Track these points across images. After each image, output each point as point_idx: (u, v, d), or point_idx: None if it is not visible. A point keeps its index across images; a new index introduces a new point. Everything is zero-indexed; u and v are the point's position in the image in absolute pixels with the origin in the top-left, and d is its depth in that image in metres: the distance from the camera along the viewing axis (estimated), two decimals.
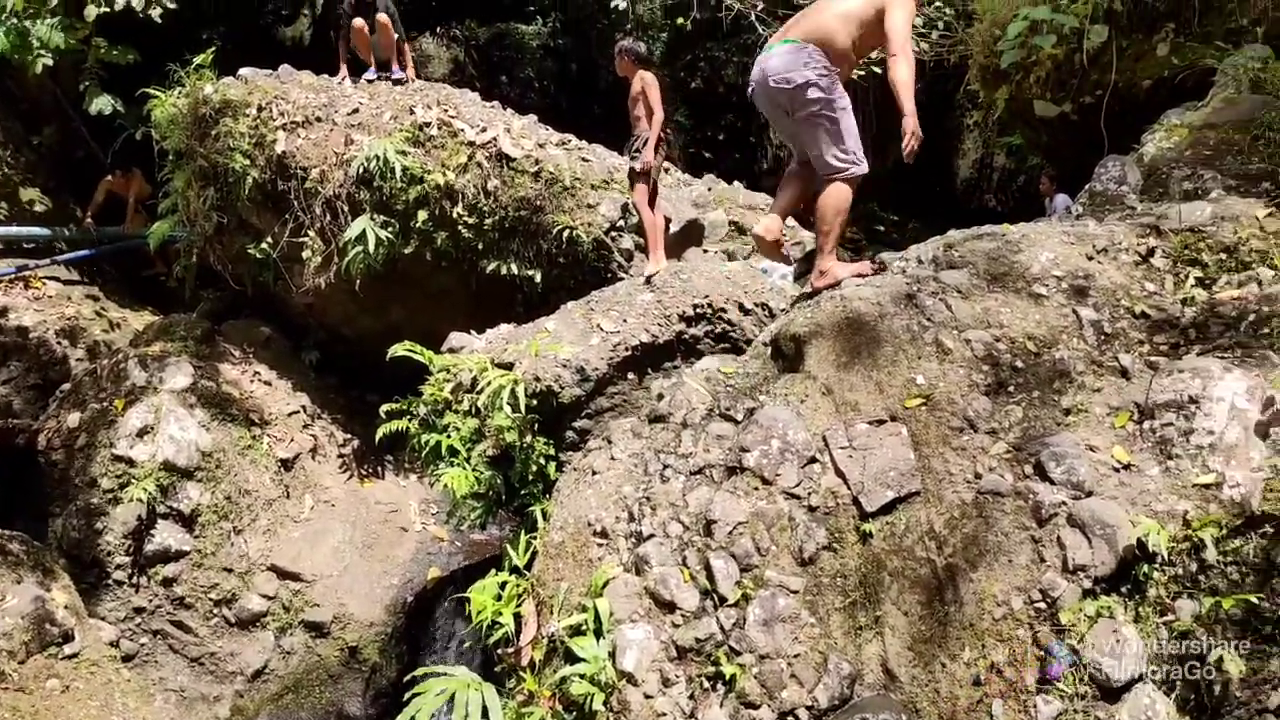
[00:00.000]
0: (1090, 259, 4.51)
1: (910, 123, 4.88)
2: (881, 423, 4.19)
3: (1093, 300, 4.33)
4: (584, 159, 9.14)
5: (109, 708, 6.80)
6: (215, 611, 8.33)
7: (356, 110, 9.19)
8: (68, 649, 6.82)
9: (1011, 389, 4.13)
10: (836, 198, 5.12)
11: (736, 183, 10.29)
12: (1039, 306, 4.35)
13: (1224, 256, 4.40)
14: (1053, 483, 3.75)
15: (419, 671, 4.31)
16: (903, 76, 4.89)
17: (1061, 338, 4.24)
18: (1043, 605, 3.53)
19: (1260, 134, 5.15)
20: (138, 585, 8.10)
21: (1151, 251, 4.51)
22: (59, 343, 10.29)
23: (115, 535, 8.05)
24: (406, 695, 4.11)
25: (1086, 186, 5.59)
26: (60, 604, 6.96)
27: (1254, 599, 3.27)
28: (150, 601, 8.14)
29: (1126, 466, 3.78)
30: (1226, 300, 4.17)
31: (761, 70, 5.11)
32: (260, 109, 9.03)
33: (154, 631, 8.14)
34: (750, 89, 5.30)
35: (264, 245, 9.14)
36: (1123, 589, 3.51)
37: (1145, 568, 3.48)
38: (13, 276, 10.86)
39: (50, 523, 8.26)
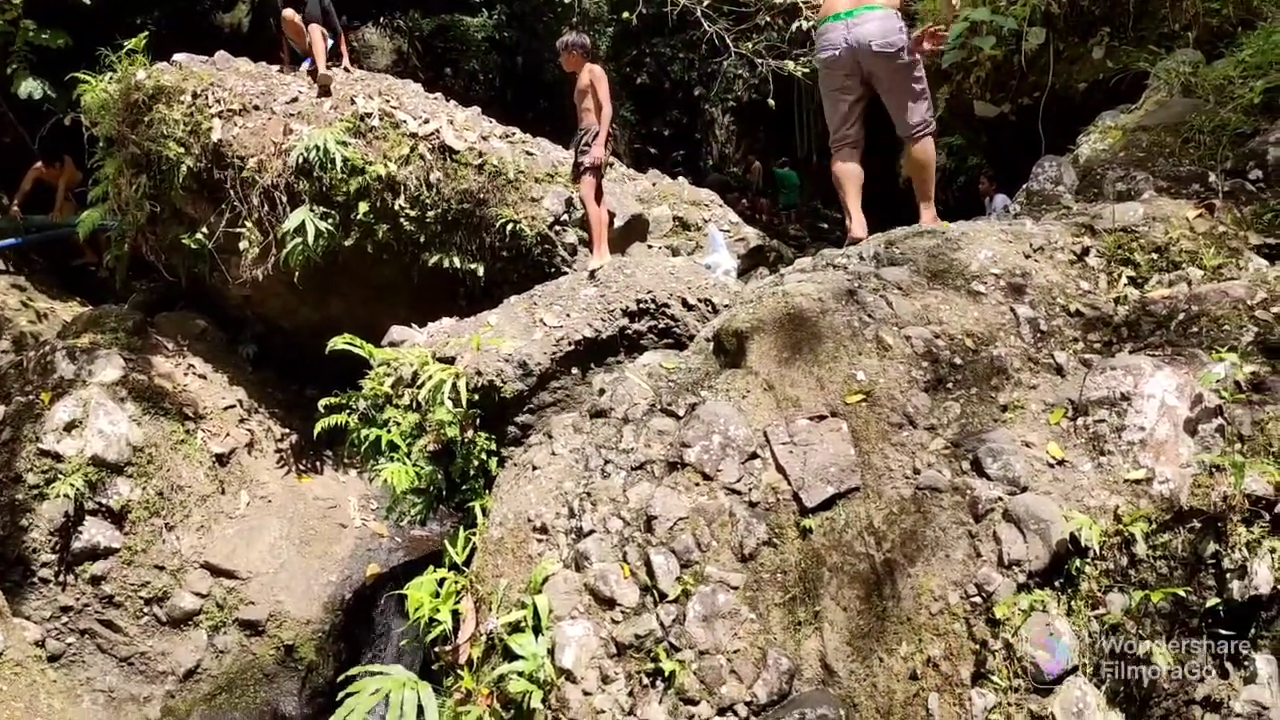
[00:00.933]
0: (1027, 257, 4.57)
1: None
2: (822, 418, 4.20)
3: (1029, 298, 4.40)
4: (528, 152, 9.07)
5: (33, 710, 6.60)
6: (146, 610, 8.12)
7: (296, 99, 9.02)
8: None
9: (950, 385, 4.17)
10: (928, 152, 5.63)
11: (681, 178, 10.29)
12: (977, 304, 4.40)
13: (1155, 256, 4.49)
14: (989, 478, 3.80)
15: (354, 670, 4.24)
16: None
17: (999, 335, 4.29)
18: (978, 600, 3.57)
19: (1190, 136, 5.26)
20: (64, 584, 7.87)
21: (1086, 251, 4.59)
22: None
23: (41, 532, 7.81)
24: (341, 695, 4.05)
25: (1024, 186, 5.67)
26: None
27: (1182, 592, 3.34)
28: (78, 600, 7.91)
29: (1061, 462, 3.84)
30: (1158, 299, 4.25)
31: (857, 36, 5.34)
32: (195, 96, 8.81)
33: (82, 631, 7.92)
34: (832, 54, 5.49)
35: (199, 235, 8.92)
36: (1056, 583, 3.56)
37: (1078, 562, 3.54)
38: None
39: None
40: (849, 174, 5.90)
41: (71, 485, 7.80)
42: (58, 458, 7.97)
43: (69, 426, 8.10)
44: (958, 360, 4.23)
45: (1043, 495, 3.70)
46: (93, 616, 7.95)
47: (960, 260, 4.58)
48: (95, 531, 8.00)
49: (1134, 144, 5.42)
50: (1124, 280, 4.43)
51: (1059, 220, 4.89)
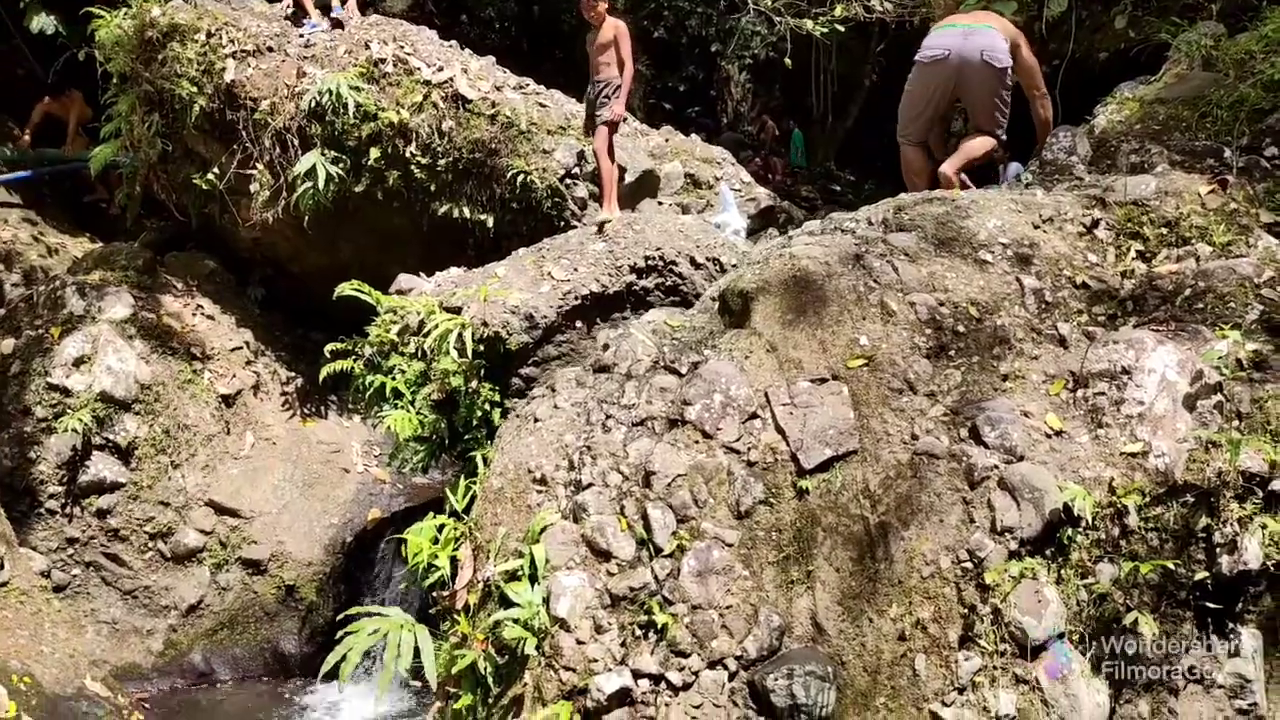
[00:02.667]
0: (1036, 228, 4.56)
1: None
2: (823, 381, 4.22)
3: (1036, 269, 4.40)
4: (541, 104, 9.01)
5: (38, 638, 6.72)
6: (150, 545, 8.24)
7: (310, 42, 8.96)
8: None
9: (952, 353, 4.19)
10: (985, 146, 6.01)
11: (694, 135, 10.23)
12: (984, 273, 4.40)
13: (1165, 231, 4.48)
14: (986, 446, 3.83)
15: (354, 610, 4.32)
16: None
17: (1004, 305, 4.30)
18: (969, 565, 3.62)
19: (1208, 111, 5.22)
20: (71, 516, 7.98)
21: (1096, 223, 4.58)
22: None
23: (49, 465, 7.90)
24: (340, 634, 4.12)
25: (1037, 155, 5.65)
26: None
27: (1171, 565, 3.38)
28: (83, 533, 8.02)
29: (1058, 433, 3.87)
30: (1165, 274, 4.25)
31: (971, 45, 5.78)
32: (210, 35, 8.75)
33: (87, 563, 8.04)
34: (939, 54, 5.87)
35: (210, 176, 8.91)
36: (1047, 551, 3.61)
37: (1070, 531, 3.58)
38: None
39: None
40: (910, 161, 6.36)
41: (79, 420, 7.88)
42: (66, 392, 8.05)
43: (78, 362, 8.16)
44: (961, 328, 4.24)
45: (1039, 465, 3.73)
46: (98, 549, 8.06)
47: (969, 229, 4.58)
48: (102, 466, 8.09)
49: (1150, 116, 5.38)
50: (1132, 254, 4.43)
51: (1070, 191, 4.87)
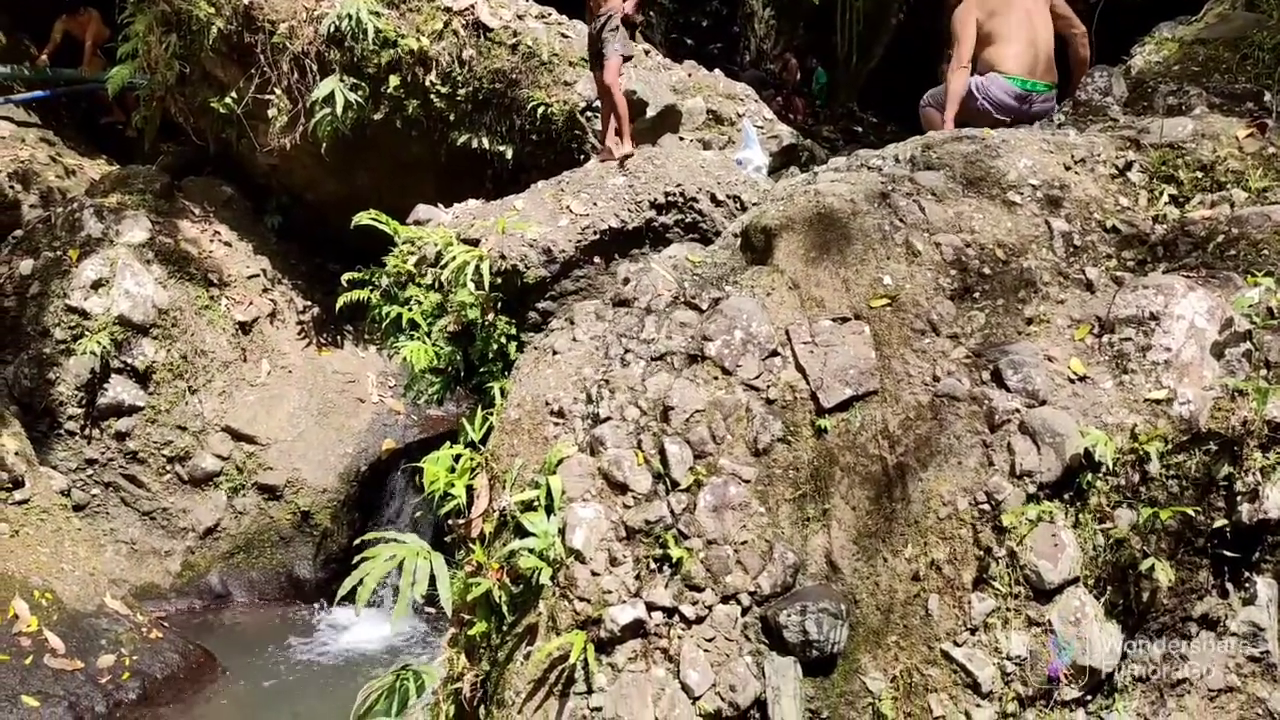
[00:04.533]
0: (1067, 169, 4.47)
1: None
2: (845, 320, 4.18)
3: (1065, 211, 4.32)
4: (563, 35, 8.87)
5: (59, 555, 6.83)
6: (168, 468, 8.33)
7: None
8: (18, 495, 6.82)
9: (977, 295, 4.14)
10: None
11: (717, 71, 10.06)
12: (1012, 214, 4.33)
13: (1200, 175, 4.38)
14: (1008, 390, 3.79)
15: (370, 536, 4.35)
16: None
17: (1031, 247, 4.23)
18: (987, 507, 3.61)
19: (1249, 53, 5.08)
20: (90, 437, 8.06)
21: (1129, 165, 4.49)
22: (11, 186, 10.01)
23: (68, 386, 7.97)
24: (356, 559, 4.15)
25: (1071, 95, 5.52)
26: (10, 450, 6.92)
27: (1191, 512, 3.36)
28: (102, 454, 8.11)
29: (1082, 378, 3.83)
30: (1198, 219, 4.17)
31: (1033, 113, 5.71)
32: None
33: (106, 484, 8.14)
34: (1000, 113, 5.69)
35: (228, 100, 8.83)
36: (1065, 496, 3.59)
37: (1089, 476, 3.56)
38: None
39: (0, 370, 8.15)
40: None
41: (98, 343, 7.93)
42: (85, 315, 8.08)
43: (96, 285, 8.18)
44: (986, 270, 4.18)
45: (1060, 410, 3.70)
46: (117, 471, 8.16)
47: (998, 168, 4.49)
48: (120, 389, 8.15)
49: (1189, 57, 5.25)
50: (1165, 198, 4.34)
51: (1104, 132, 4.77)
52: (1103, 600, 3.47)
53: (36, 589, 6.51)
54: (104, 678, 6.34)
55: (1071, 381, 3.82)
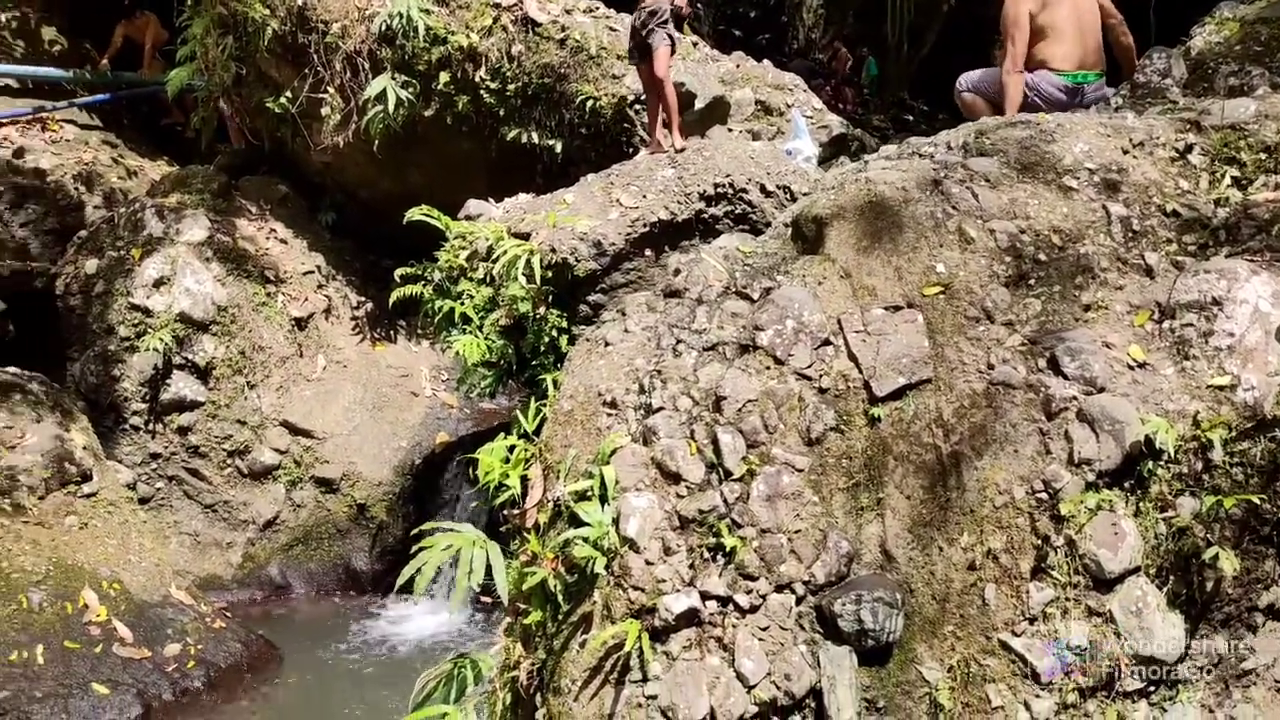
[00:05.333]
0: (1125, 153, 4.40)
1: None
2: (898, 309, 4.15)
3: (1124, 196, 4.25)
4: (611, 28, 8.88)
5: (125, 546, 7.01)
6: (229, 462, 8.51)
7: None
8: (86, 488, 7.01)
9: (1032, 282, 4.09)
10: None
11: (766, 61, 10.02)
12: (1068, 199, 4.26)
13: (1264, 156, 4.28)
14: (1065, 377, 3.74)
15: (426, 526, 4.40)
16: None
17: (1088, 232, 4.17)
18: (1044, 496, 3.57)
19: None
20: (154, 432, 8.27)
21: (1189, 148, 4.39)
22: (76, 188, 10.27)
23: (132, 382, 8.17)
24: (414, 549, 4.21)
25: (1128, 78, 5.42)
26: (79, 444, 7.11)
27: (1256, 499, 3.30)
28: (166, 448, 8.32)
29: (1142, 365, 3.76)
30: (1261, 202, 4.08)
31: (1085, 102, 5.71)
32: None
33: (169, 477, 8.34)
34: (1050, 104, 5.65)
35: (283, 100, 8.99)
36: (1125, 484, 3.54)
37: (1150, 464, 3.50)
38: (30, 117, 10.75)
39: (68, 366, 8.39)
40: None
41: (160, 340, 8.12)
42: (147, 313, 8.28)
43: (158, 283, 8.38)
44: (1042, 257, 4.13)
45: (1120, 397, 3.64)
46: (180, 464, 8.35)
47: (1054, 153, 4.42)
48: (182, 385, 8.35)
49: (1252, 37, 5.12)
50: (1227, 180, 4.24)
51: (1163, 115, 4.68)
52: (1165, 590, 3.42)
53: (105, 579, 6.69)
54: (170, 666, 6.51)
55: (1131, 368, 3.76)
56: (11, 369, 7.45)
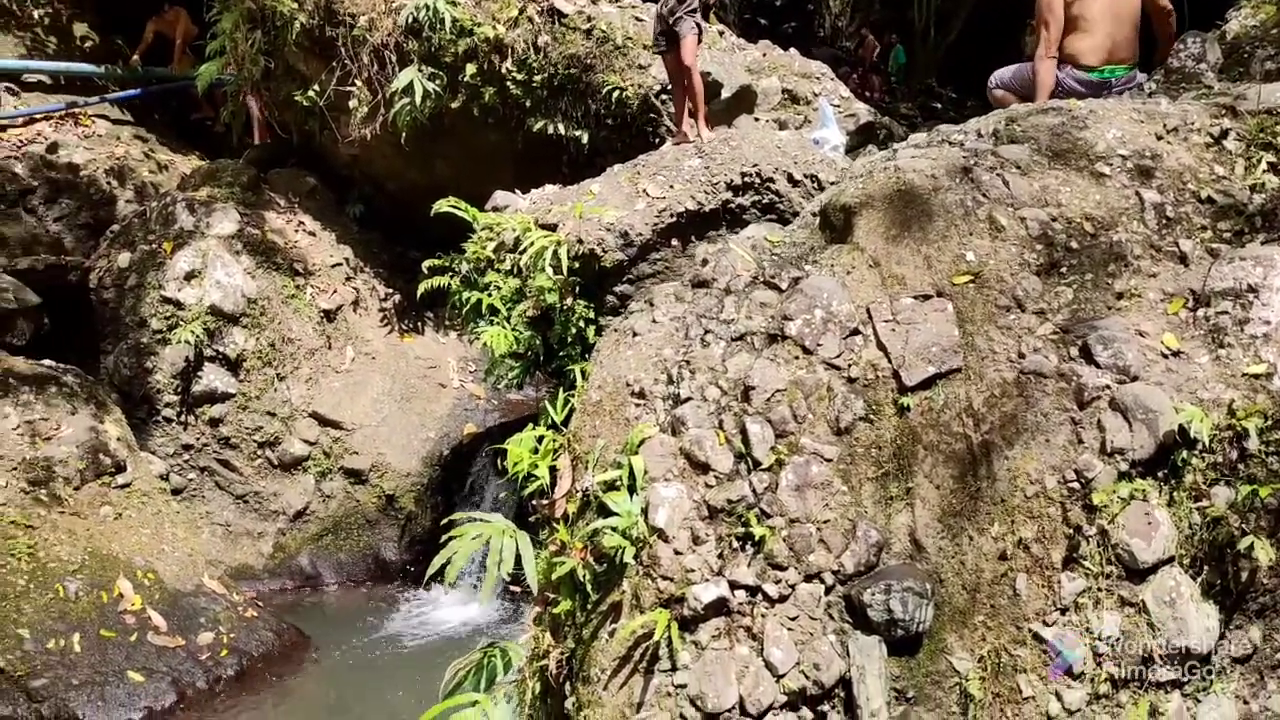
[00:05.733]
0: (1159, 139, 4.34)
1: None
2: (927, 298, 4.13)
3: (1157, 182, 4.20)
4: (637, 18, 8.87)
5: (159, 536, 7.10)
6: (259, 453, 8.59)
7: None
8: (120, 479, 7.10)
9: (1064, 270, 4.05)
10: None
11: (792, 50, 9.97)
12: (1100, 186, 4.22)
13: None
14: (1098, 366, 3.71)
15: (457, 516, 4.43)
16: None
17: (1121, 220, 4.12)
18: (1076, 485, 3.54)
19: None
20: (186, 423, 8.36)
21: (1225, 133, 4.33)
22: (108, 182, 10.37)
23: (164, 374, 8.26)
24: (444, 539, 4.23)
25: (1161, 62, 5.35)
26: (113, 436, 7.20)
27: None
28: (198, 439, 8.41)
29: (1176, 353, 3.73)
30: None
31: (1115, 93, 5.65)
32: None
33: (201, 468, 8.43)
34: (1075, 96, 5.54)
35: (310, 93, 9.04)
36: (1159, 473, 3.51)
37: (1184, 453, 3.47)
38: (63, 113, 10.87)
39: (101, 359, 8.49)
40: None
41: (192, 332, 8.20)
42: (179, 305, 8.36)
43: (189, 276, 8.46)
44: (1074, 244, 4.09)
45: (1153, 385, 3.61)
46: (211, 456, 8.44)
47: (1086, 140, 4.38)
48: (213, 377, 8.43)
49: None
50: (1263, 166, 4.18)
51: (1198, 100, 4.62)
52: (1199, 580, 3.39)
53: (139, 569, 6.78)
54: (204, 654, 6.59)
55: (1165, 356, 3.73)
56: (47, 361, 7.55)
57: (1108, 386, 3.64)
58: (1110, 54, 5.49)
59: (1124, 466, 3.50)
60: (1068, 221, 4.13)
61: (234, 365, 8.51)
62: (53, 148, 10.35)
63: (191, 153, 11.79)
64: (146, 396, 8.24)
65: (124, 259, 8.64)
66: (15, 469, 6.64)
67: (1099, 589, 3.43)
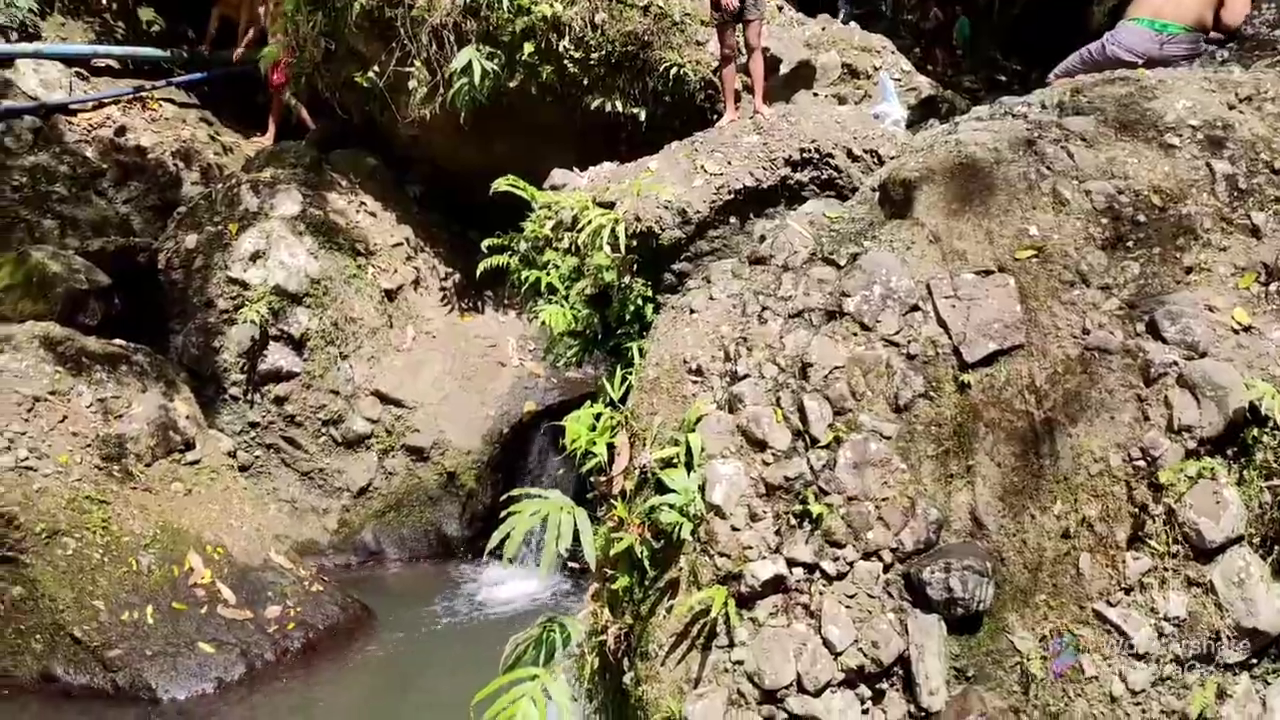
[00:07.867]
0: (1231, 108, 4.21)
1: None
2: (989, 273, 4.07)
3: (1229, 153, 4.08)
4: None
5: (228, 512, 7.28)
6: (323, 431, 8.76)
7: None
8: (189, 456, 7.29)
9: (1130, 244, 3.96)
10: None
11: (852, 23, 9.82)
12: (1169, 157, 4.11)
13: None
14: (1165, 342, 3.63)
15: (515, 492, 4.47)
16: None
17: (1190, 192, 4.02)
18: (1142, 464, 3.47)
19: None
20: (252, 401, 8.55)
21: None
22: (175, 164, 10.60)
23: (231, 353, 8.45)
24: (503, 515, 4.28)
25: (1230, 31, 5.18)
26: (182, 414, 7.40)
27: None
28: (264, 417, 8.59)
29: (1247, 329, 3.63)
30: None
31: (1166, 53, 5.43)
32: None
33: (268, 445, 8.62)
34: (1131, 60, 5.43)
35: (370, 74, 9.13)
36: (1228, 452, 3.43)
37: (1255, 431, 3.38)
38: (130, 97, 11.11)
39: (171, 338, 8.71)
40: None
41: (257, 312, 8.36)
42: (245, 285, 8.53)
43: (254, 257, 8.62)
44: (1141, 218, 3.99)
45: (1223, 362, 3.52)
46: (277, 433, 8.62)
47: (1154, 110, 4.26)
48: (278, 356, 8.60)
49: None
50: None
51: (1272, 68, 4.47)
52: (1269, 560, 3.31)
53: (209, 544, 6.97)
54: (271, 627, 6.76)
55: (1235, 332, 3.63)
56: (118, 341, 7.76)
57: (1175, 363, 3.56)
58: (1158, 10, 5.34)
59: (1191, 444, 3.43)
60: (1135, 194, 4.04)
61: (298, 344, 8.67)
62: (121, 131, 10.59)
63: (255, 134, 11.99)
64: (214, 375, 8.44)
65: (191, 240, 8.84)
66: (89, 445, 6.85)
67: (1165, 568, 3.37)
